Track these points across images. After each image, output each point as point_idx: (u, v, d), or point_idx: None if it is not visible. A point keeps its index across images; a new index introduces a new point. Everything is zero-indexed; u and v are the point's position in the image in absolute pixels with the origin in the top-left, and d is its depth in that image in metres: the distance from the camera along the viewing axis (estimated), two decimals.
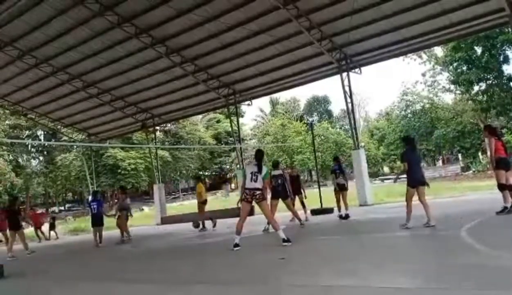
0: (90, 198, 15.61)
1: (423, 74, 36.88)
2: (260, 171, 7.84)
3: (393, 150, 48.71)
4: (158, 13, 15.67)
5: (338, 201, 12.17)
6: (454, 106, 39.90)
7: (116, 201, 14.96)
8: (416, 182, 8.07)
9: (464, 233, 6.73)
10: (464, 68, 30.91)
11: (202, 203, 14.45)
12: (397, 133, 46.23)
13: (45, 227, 21.15)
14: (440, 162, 55.80)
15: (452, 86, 34.75)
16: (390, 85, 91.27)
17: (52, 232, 21.36)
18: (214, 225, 14.17)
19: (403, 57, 28.98)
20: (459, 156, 46.30)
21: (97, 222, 13.93)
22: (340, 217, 11.85)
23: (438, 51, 33.98)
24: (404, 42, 16.43)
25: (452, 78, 33.28)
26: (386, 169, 59.07)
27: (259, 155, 8.30)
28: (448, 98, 43.19)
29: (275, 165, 11.59)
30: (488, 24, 15.38)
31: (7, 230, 13.79)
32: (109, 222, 15.03)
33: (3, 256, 12.38)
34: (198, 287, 5.23)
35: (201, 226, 14.36)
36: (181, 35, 16.93)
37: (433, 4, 14.23)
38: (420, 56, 34.21)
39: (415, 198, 8.18)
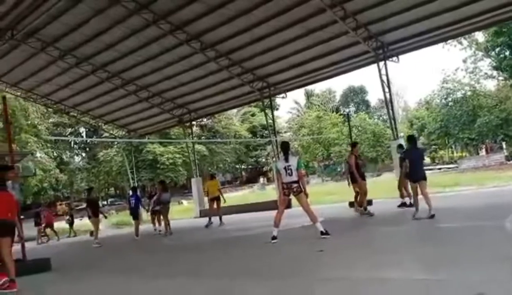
0: (130, 193, 16.20)
1: (464, 61, 35.66)
2: (287, 161, 7.83)
3: (434, 140, 47.34)
4: (192, 10, 15.78)
5: (403, 188, 11.73)
6: (497, 93, 38.29)
7: (156, 194, 15.37)
8: (417, 177, 8.84)
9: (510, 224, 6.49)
10: (507, 53, 29.63)
11: (210, 200, 14.99)
12: (437, 123, 44.89)
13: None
14: (483, 151, 53.71)
15: (495, 72, 33.43)
16: (429, 73, 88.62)
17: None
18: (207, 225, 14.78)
19: (442, 44, 28.02)
20: (503, 144, 44.39)
21: (136, 216, 14.63)
22: (404, 205, 11.50)
23: (479, 36, 32.70)
24: (443, 28, 15.84)
25: (494, 64, 31.99)
26: (427, 159, 57.52)
27: (284, 146, 8.33)
28: (490, 85, 41.54)
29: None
30: None
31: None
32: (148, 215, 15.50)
33: (48, 250, 12.98)
34: (235, 279, 5.28)
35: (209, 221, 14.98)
36: (214, 30, 17.01)
37: None
38: (460, 42, 33.03)
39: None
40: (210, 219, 14.93)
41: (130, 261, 9.11)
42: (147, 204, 15.38)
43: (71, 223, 22.52)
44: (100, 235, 14.79)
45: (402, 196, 11.75)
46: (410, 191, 11.41)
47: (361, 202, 11.16)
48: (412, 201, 11.19)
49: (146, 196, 15.93)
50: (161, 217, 14.77)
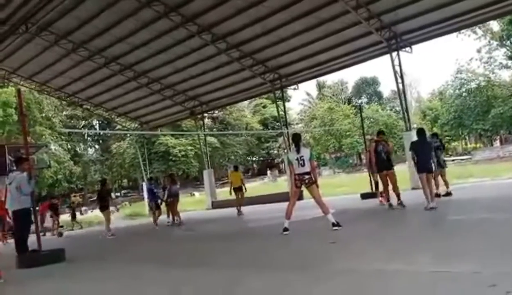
0: (146, 184, 16.44)
1: (478, 51, 35.12)
2: (299, 152, 7.86)
3: (448, 131, 46.84)
4: (203, 1, 15.77)
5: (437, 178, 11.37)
6: None
7: (166, 187, 15.60)
8: (423, 169, 9.06)
9: None
10: None
11: (233, 191, 15.60)
12: (451, 114, 44.39)
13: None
14: (498, 142, 53.02)
15: (510, 62, 32.79)
16: (443, 64, 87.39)
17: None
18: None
19: (456, 33, 27.53)
20: None
21: (158, 206, 15.31)
22: (438, 195, 11.05)
23: (494, 25, 32.08)
24: (457, 18, 15.56)
25: (509, 53, 31.39)
26: None
27: (296, 138, 8.36)
28: (505, 75, 40.82)
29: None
30: None
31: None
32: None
33: (61, 240, 13.18)
34: (247, 269, 5.32)
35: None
36: (225, 22, 16.98)
37: None
38: (474, 32, 32.45)
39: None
40: (238, 209, 15.55)
41: (145, 251, 9.22)
42: (163, 195, 15.72)
43: (73, 216, 22.56)
44: (113, 226, 14.97)
45: (436, 187, 11.27)
46: (439, 180, 11.37)
47: (386, 195, 10.48)
48: (437, 191, 11.07)
49: (161, 187, 16.18)
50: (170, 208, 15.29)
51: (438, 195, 11.10)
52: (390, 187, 10.19)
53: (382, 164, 10.17)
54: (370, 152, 10.86)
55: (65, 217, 23.71)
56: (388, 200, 10.21)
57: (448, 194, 11.27)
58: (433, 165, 9.53)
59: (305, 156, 7.85)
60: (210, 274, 5.38)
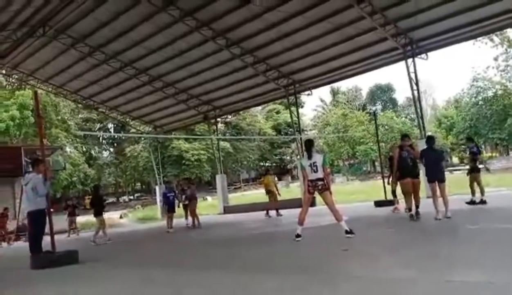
0: (162, 188, 16.47)
1: (495, 59, 34.67)
2: (312, 157, 7.79)
3: (463, 140, 46.19)
4: (219, 7, 15.86)
5: (473, 185, 11.06)
6: None
7: (184, 189, 15.79)
8: (433, 178, 8.86)
9: None
10: None
11: (266, 193, 15.95)
12: (467, 122, 43.82)
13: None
14: None
15: None
16: (459, 71, 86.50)
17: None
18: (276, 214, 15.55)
19: (473, 40, 27.21)
20: None
21: (173, 209, 15.28)
22: (473, 202, 10.86)
23: (511, 33, 31.64)
24: (474, 25, 15.39)
25: None
26: (455, 159, 56.19)
27: (308, 143, 8.22)
28: None
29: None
30: None
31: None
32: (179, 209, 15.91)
33: (76, 243, 13.28)
34: (259, 273, 5.28)
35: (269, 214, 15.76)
36: (241, 27, 17.04)
37: None
38: (491, 39, 32.02)
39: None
40: (277, 211, 15.73)
41: (159, 254, 9.23)
42: (180, 198, 15.91)
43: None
44: (128, 229, 15.04)
45: (473, 193, 11.03)
46: (481, 184, 10.95)
47: (409, 204, 9.28)
48: (474, 198, 10.86)
49: (179, 190, 16.35)
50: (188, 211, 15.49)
51: (472, 202, 10.82)
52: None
53: (406, 171, 9.11)
54: (393, 158, 10.28)
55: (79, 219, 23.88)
56: (410, 210, 9.24)
57: (483, 202, 10.76)
58: (443, 173, 9.08)
59: (318, 161, 7.77)
60: (218, 278, 5.35)
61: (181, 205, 15.60)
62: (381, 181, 15.54)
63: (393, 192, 11.87)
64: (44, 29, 17.20)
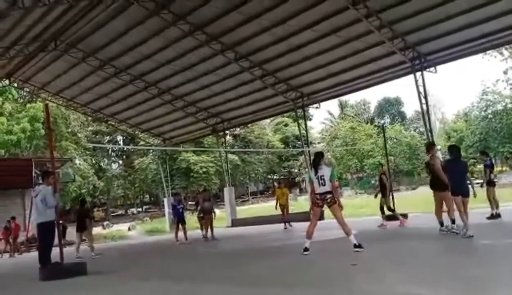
0: (170, 200, 16.56)
1: (505, 72, 34.37)
2: (320, 171, 7.74)
3: (472, 153, 45.79)
4: (228, 20, 16.01)
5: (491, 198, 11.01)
6: None
7: (198, 202, 15.99)
8: (457, 192, 8.13)
9: None
10: None
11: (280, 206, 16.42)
12: (476, 136, 43.43)
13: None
14: None
15: None
16: (468, 85, 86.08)
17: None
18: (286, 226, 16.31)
19: (482, 54, 27.11)
20: None
21: (182, 222, 15.30)
22: (492, 216, 10.75)
23: None
24: (484, 38, 15.34)
25: None
26: None
27: (317, 157, 8.10)
28: None
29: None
30: None
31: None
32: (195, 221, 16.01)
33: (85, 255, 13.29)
34: (267, 287, 5.25)
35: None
36: (249, 41, 17.17)
37: None
38: (501, 53, 31.86)
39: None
40: (289, 223, 16.52)
41: (167, 266, 9.22)
42: (194, 210, 15.99)
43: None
44: (135, 241, 15.05)
45: (492, 207, 10.96)
46: (496, 198, 10.86)
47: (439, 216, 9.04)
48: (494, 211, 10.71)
49: (194, 202, 16.59)
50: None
51: (493, 216, 10.72)
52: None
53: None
54: (435, 165, 8.97)
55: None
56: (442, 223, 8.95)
57: (497, 215, 10.68)
58: (468, 188, 8.40)
59: (326, 175, 7.73)
60: (221, 290, 5.35)
61: (193, 216, 15.74)
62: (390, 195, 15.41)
63: (381, 208, 12.07)
64: (56, 43, 17.49)
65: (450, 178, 8.24)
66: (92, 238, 13.96)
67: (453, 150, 8.72)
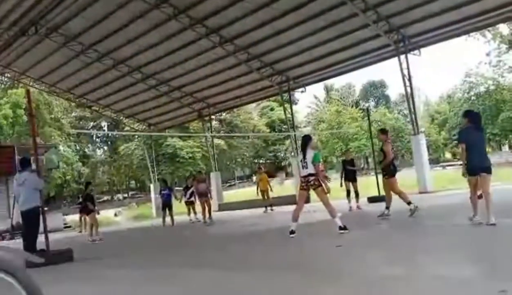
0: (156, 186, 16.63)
1: (488, 54, 34.82)
2: (304, 156, 7.78)
3: (455, 135, 46.49)
4: (212, 3, 15.85)
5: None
6: None
7: (188, 187, 16.16)
8: (477, 168, 6.39)
9: None
10: None
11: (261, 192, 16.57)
12: (459, 117, 43.98)
13: None
14: (507, 146, 52.51)
15: None
16: (452, 67, 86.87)
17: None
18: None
19: (465, 36, 27.31)
20: None
21: (169, 207, 15.55)
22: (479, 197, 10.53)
23: (504, 29, 31.80)
24: (466, 21, 15.51)
25: None
26: (448, 155, 56.54)
27: (303, 141, 8.19)
28: None
29: None
30: None
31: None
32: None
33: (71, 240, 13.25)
34: (254, 271, 5.31)
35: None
36: (234, 24, 17.04)
37: None
38: (484, 35, 32.15)
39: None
40: (270, 208, 16.64)
41: (154, 252, 9.23)
42: (182, 195, 16.01)
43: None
44: (122, 227, 15.03)
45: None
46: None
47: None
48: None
49: (183, 187, 16.66)
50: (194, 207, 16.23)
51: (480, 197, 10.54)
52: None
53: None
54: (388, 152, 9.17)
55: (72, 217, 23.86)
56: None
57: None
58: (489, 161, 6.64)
59: (309, 157, 7.76)
60: (206, 275, 5.39)
61: (182, 202, 15.87)
62: (374, 177, 15.63)
63: (348, 192, 12.51)
64: (36, 28, 17.08)
65: (470, 151, 6.45)
66: (96, 223, 13.40)
67: (473, 115, 6.94)
